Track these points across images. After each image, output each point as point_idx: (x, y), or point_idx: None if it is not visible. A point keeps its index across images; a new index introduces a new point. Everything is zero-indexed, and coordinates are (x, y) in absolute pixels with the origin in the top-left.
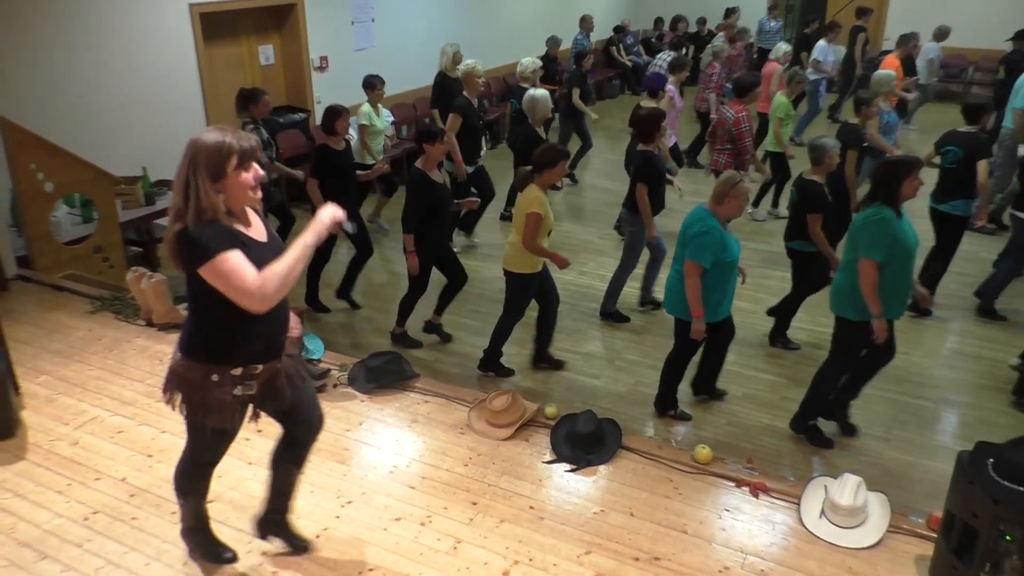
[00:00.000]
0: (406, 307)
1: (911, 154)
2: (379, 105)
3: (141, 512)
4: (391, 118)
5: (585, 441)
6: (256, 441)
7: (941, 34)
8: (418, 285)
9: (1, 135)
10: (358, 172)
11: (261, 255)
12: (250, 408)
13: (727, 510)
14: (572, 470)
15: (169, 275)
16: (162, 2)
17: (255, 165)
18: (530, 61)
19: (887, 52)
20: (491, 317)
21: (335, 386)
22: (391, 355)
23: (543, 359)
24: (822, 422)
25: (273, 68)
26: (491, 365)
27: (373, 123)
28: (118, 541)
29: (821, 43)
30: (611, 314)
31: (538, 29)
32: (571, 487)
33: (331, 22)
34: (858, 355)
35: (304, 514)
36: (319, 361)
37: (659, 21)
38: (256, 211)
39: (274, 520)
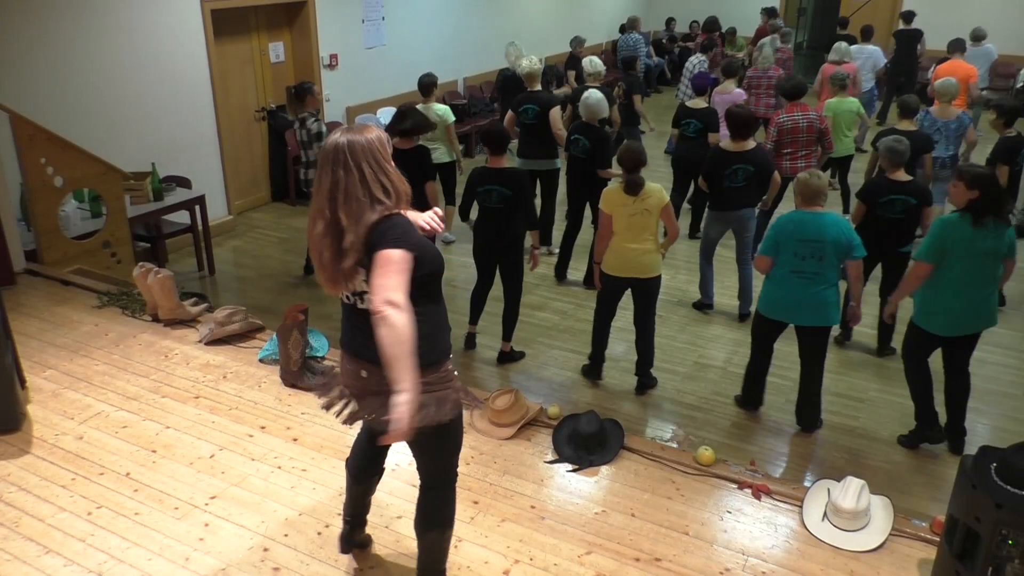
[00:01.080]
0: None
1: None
2: (436, 104)
3: (144, 508)
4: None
5: (587, 441)
6: (259, 437)
7: (977, 36)
8: (479, 278)
9: (12, 129)
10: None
11: None
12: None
13: (729, 512)
14: (574, 470)
15: (176, 271)
16: None
17: None
18: (599, 61)
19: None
20: (497, 317)
21: None
22: None
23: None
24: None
25: (283, 65)
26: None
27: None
28: (121, 536)
29: (875, 48)
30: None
31: (549, 27)
32: (572, 487)
33: (341, 20)
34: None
35: (307, 511)
36: (323, 358)
37: (671, 21)
38: None
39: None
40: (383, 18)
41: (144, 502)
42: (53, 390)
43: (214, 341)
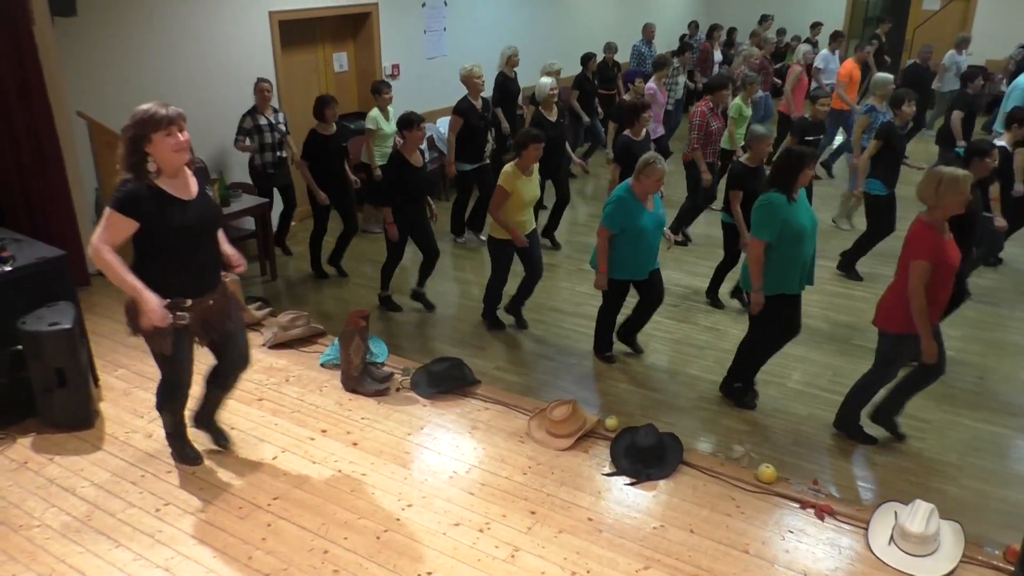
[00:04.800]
0: (385, 273)
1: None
2: (388, 109)
3: (210, 506)
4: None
5: (645, 455)
6: (320, 441)
7: (962, 42)
8: (393, 254)
9: (89, 136)
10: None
11: (183, 210)
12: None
13: (791, 531)
14: (632, 483)
15: (241, 275)
16: (244, 9)
17: (179, 132)
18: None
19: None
20: (552, 327)
21: (398, 390)
22: (453, 361)
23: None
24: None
25: (346, 75)
26: None
27: (380, 127)
28: (187, 533)
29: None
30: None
31: (609, 37)
32: (630, 501)
33: (404, 31)
34: (768, 328)
35: (366, 515)
36: (383, 364)
37: (732, 31)
38: (192, 171)
39: (203, 420)
40: (445, 29)
41: (210, 500)
42: (124, 388)
43: (277, 345)
